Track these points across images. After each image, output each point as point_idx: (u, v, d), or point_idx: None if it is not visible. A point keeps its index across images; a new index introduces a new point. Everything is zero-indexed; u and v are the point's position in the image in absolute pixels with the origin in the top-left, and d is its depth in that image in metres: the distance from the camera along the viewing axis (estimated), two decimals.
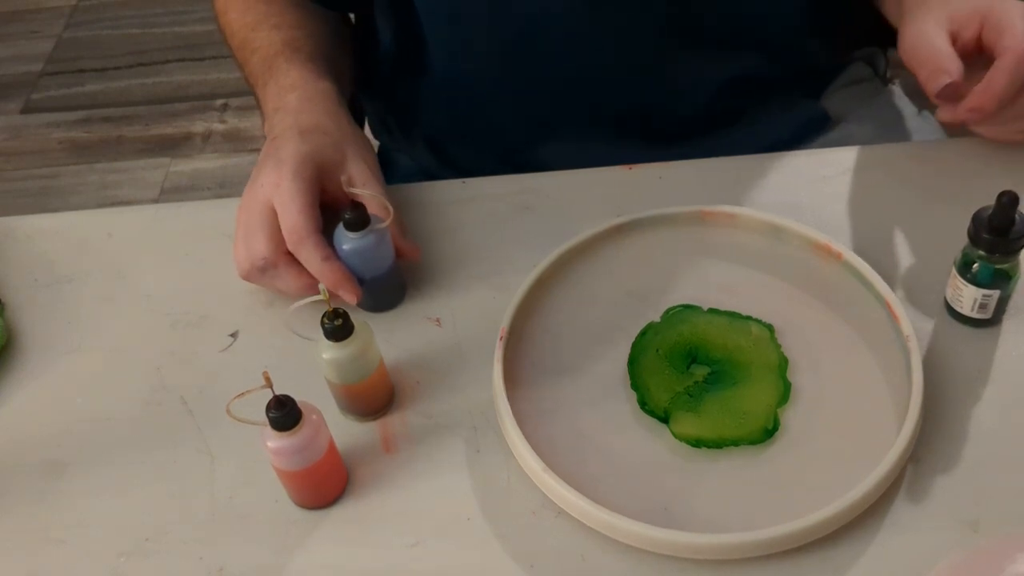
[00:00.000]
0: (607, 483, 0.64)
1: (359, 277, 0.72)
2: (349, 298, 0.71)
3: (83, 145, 2.19)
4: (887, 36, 0.84)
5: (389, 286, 0.75)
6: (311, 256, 0.70)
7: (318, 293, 0.64)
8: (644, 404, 0.67)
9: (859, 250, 0.74)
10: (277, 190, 0.71)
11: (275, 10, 0.88)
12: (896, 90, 1.03)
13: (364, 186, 0.74)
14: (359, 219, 0.70)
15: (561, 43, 0.86)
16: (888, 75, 1.04)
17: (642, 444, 0.66)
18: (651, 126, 0.91)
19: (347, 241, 0.71)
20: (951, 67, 0.70)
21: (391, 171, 1.05)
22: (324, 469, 0.63)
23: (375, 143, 1.07)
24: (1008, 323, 0.71)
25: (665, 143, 0.89)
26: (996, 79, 0.70)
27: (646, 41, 0.86)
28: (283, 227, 0.71)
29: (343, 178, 0.71)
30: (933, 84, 0.71)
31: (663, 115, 0.91)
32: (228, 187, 2.07)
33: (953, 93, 0.71)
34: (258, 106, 0.84)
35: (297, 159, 0.72)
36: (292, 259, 0.72)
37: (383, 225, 0.71)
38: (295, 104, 0.77)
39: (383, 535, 0.64)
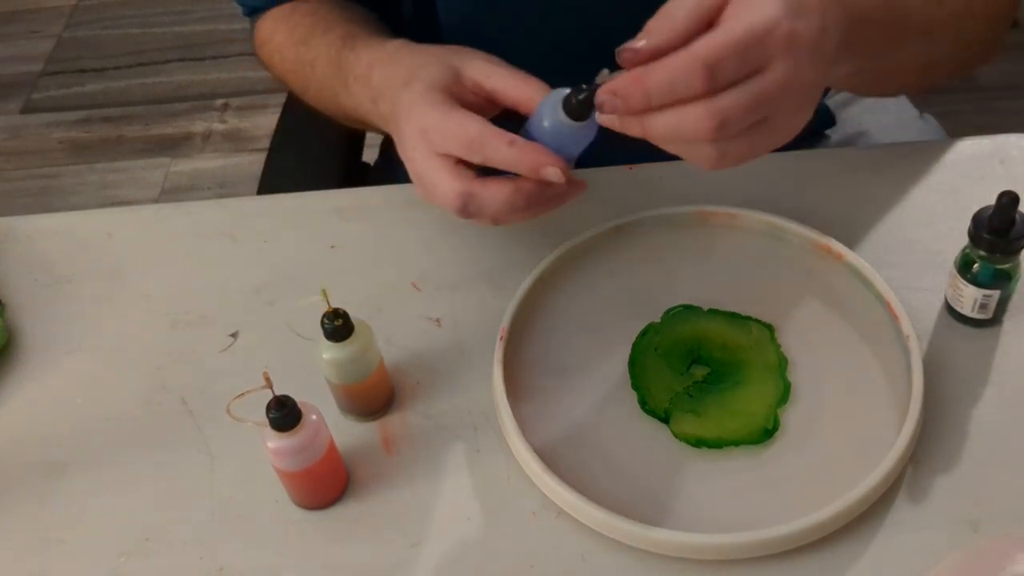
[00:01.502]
0: (607, 483, 0.64)
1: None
2: (556, 174, 0.61)
3: (83, 145, 2.19)
4: None
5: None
6: (496, 148, 0.62)
7: (522, 204, 0.61)
8: (644, 404, 0.67)
9: (859, 250, 0.74)
10: (425, 134, 0.65)
11: (321, 18, 0.85)
12: None
13: (491, 77, 0.67)
14: (590, 100, 0.59)
15: (581, 16, 0.85)
16: None
17: (642, 444, 0.66)
18: None
19: (557, 118, 0.61)
20: (651, 27, 0.57)
21: (398, 169, 1.04)
22: (324, 469, 0.63)
23: (379, 139, 1.07)
24: (1008, 323, 0.71)
25: None
26: (662, 66, 0.55)
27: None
28: (458, 148, 0.63)
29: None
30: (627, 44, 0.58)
31: None
32: (228, 187, 2.07)
33: (630, 58, 0.57)
34: (353, 117, 0.80)
35: (417, 99, 0.66)
36: (483, 180, 0.64)
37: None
38: (381, 79, 0.73)
39: (383, 535, 0.64)
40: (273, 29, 0.88)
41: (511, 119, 0.66)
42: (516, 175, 0.63)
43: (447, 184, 0.64)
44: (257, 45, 0.92)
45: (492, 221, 0.66)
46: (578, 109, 0.60)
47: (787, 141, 0.60)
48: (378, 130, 0.77)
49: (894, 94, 0.95)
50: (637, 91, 0.56)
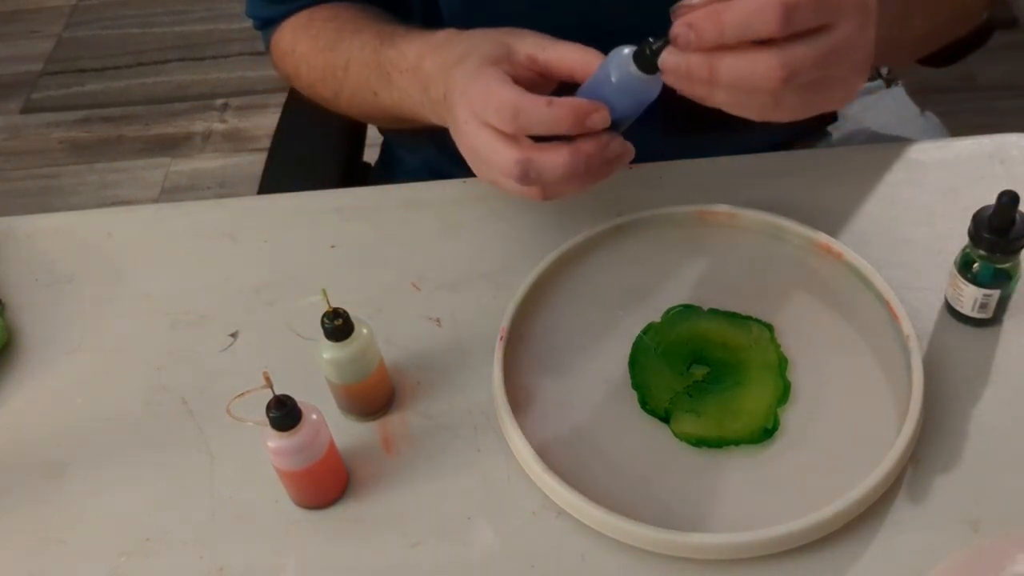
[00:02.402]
0: (607, 483, 0.64)
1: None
2: (602, 119, 0.62)
3: (83, 145, 2.19)
4: None
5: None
6: (536, 112, 0.62)
7: (581, 166, 0.61)
8: (645, 404, 0.67)
9: (859, 250, 0.74)
10: (472, 107, 0.64)
11: (345, 22, 0.84)
12: (899, 91, 1.03)
13: (546, 48, 0.67)
14: (663, 49, 0.59)
15: (579, 16, 0.84)
16: (890, 75, 1.04)
17: (642, 444, 0.66)
18: (671, 111, 0.90)
19: (627, 71, 0.61)
20: None
21: (396, 168, 1.04)
22: (324, 469, 0.63)
23: (379, 139, 1.07)
24: (1008, 323, 0.71)
25: (681, 133, 0.88)
26: (740, 3, 0.56)
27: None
28: (499, 119, 0.63)
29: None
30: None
31: (682, 100, 0.90)
32: (228, 187, 2.07)
33: (686, 13, 0.58)
34: (395, 114, 0.79)
35: (466, 75, 0.66)
36: (541, 146, 0.64)
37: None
38: (433, 66, 0.72)
39: (383, 535, 0.64)
40: (294, 39, 0.87)
41: (566, 95, 0.66)
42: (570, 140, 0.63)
43: (503, 153, 0.64)
44: (277, 58, 0.90)
45: (546, 193, 0.65)
46: (651, 60, 0.60)
47: (838, 106, 0.60)
48: (425, 124, 0.76)
49: (890, 66, 0.95)
50: (712, 25, 0.56)
